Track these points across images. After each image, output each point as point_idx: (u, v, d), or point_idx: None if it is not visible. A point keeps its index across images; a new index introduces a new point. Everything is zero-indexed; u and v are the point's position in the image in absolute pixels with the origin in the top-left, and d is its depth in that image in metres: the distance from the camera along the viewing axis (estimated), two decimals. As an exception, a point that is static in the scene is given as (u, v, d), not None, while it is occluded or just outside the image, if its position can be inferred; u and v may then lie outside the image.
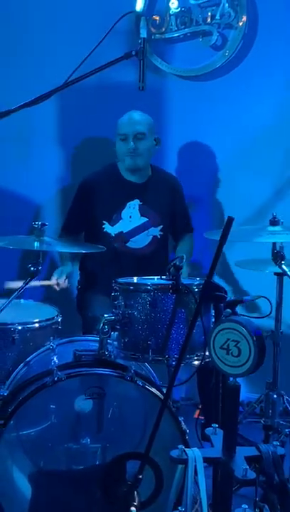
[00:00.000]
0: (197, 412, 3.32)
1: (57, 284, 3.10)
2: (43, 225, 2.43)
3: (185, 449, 1.65)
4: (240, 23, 3.51)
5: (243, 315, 2.58)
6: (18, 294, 2.40)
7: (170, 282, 2.27)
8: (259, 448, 1.63)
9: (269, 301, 2.67)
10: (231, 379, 1.66)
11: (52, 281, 3.10)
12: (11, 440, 2.36)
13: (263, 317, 2.63)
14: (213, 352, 1.64)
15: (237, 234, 2.67)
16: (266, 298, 2.63)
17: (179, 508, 1.72)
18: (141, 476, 1.96)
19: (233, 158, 3.67)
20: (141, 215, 3.29)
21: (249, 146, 3.62)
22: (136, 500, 2.03)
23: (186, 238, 3.46)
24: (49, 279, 3.13)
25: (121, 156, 3.26)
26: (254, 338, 1.58)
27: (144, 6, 3.63)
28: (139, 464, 1.97)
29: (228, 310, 2.00)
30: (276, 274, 2.86)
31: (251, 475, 1.54)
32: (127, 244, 3.28)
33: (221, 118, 3.63)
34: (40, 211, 3.83)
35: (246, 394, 3.63)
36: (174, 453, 1.67)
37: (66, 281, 3.13)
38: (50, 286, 3.14)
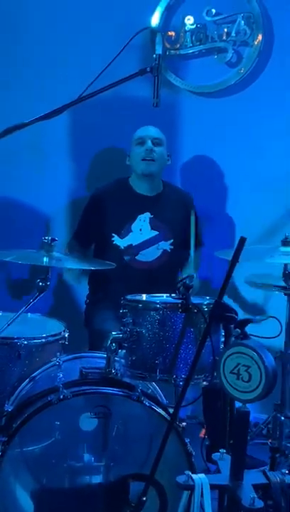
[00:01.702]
0: (203, 431, 3.28)
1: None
2: (53, 240, 2.41)
3: (192, 475, 1.62)
4: (256, 42, 3.51)
5: (252, 335, 2.56)
6: (26, 309, 2.38)
7: (179, 301, 2.24)
8: (267, 475, 1.60)
9: (279, 322, 2.64)
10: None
11: None
12: (14, 456, 2.32)
13: (272, 337, 2.60)
14: (223, 376, 1.61)
15: (247, 253, 2.65)
16: (276, 318, 2.60)
17: (184, 534, 1.69)
18: (144, 498, 1.93)
19: (245, 175, 3.65)
20: (152, 229, 3.28)
21: (261, 164, 3.61)
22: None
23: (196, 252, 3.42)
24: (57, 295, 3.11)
25: (137, 160, 3.27)
26: (266, 364, 1.55)
27: (160, 22, 3.62)
28: (143, 485, 1.95)
29: (237, 330, 1.98)
30: (286, 294, 2.83)
31: (259, 504, 1.50)
32: (137, 258, 3.26)
33: (234, 136, 3.62)
34: (50, 223, 3.82)
35: (254, 414, 3.58)
36: (180, 479, 1.64)
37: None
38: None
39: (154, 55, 2.37)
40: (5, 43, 3.71)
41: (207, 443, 2.92)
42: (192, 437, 2.57)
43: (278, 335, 2.63)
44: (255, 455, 3.05)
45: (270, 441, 2.87)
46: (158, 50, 2.39)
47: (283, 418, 2.84)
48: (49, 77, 3.67)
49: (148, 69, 2.37)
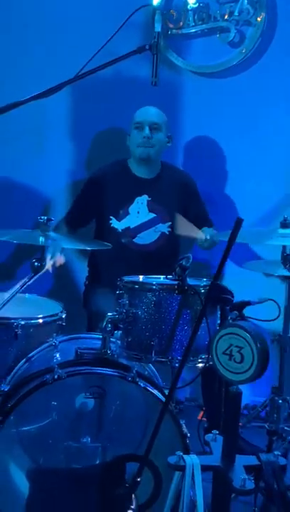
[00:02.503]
0: (201, 413, 3.29)
1: (54, 264, 3.05)
2: (49, 219, 2.39)
3: (183, 455, 1.61)
4: (259, 19, 3.45)
5: (250, 317, 2.54)
6: (22, 289, 2.37)
7: (176, 282, 2.23)
8: (260, 457, 1.59)
9: (278, 304, 2.63)
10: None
11: (48, 264, 3.04)
12: (9, 436, 2.33)
13: (271, 320, 2.58)
14: (215, 357, 1.60)
15: (247, 235, 2.63)
16: (274, 301, 2.59)
17: (176, 514, 1.69)
18: (139, 479, 1.92)
19: (246, 157, 3.62)
20: (149, 211, 3.26)
21: (262, 146, 3.58)
22: (134, 503, 1.99)
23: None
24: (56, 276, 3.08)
25: (134, 145, 3.25)
26: (258, 345, 1.54)
27: (162, 0, 3.56)
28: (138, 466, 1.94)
29: (235, 312, 1.96)
30: (285, 277, 2.81)
31: (250, 485, 1.49)
32: (134, 240, 3.25)
33: (236, 116, 3.58)
34: (51, 205, 3.80)
35: (252, 397, 3.58)
36: (172, 459, 1.63)
37: (62, 256, 3.08)
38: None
39: (153, 33, 2.34)
40: (1, 21, 3.66)
41: (205, 425, 2.92)
42: (190, 419, 2.59)
43: (277, 318, 2.62)
44: (252, 438, 3.06)
45: (267, 424, 2.86)
46: (157, 27, 2.36)
47: (280, 401, 2.82)
48: (47, 55, 3.62)
49: (146, 47, 2.34)
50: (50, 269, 3.00)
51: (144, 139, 3.21)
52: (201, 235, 3.03)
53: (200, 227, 3.33)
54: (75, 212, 3.40)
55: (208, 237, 3.02)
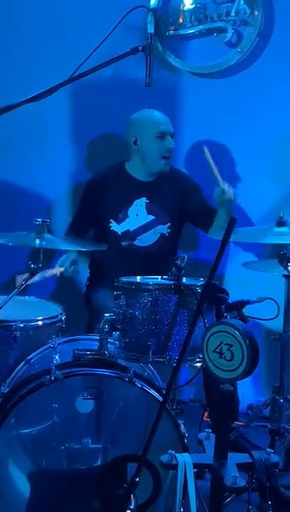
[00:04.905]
0: (205, 414, 3.28)
1: (63, 272, 3.08)
2: (44, 221, 2.41)
3: (176, 454, 1.61)
4: (256, 17, 3.45)
5: (250, 317, 2.54)
6: (19, 291, 2.38)
7: (172, 282, 2.24)
8: (252, 455, 1.59)
9: (277, 303, 2.63)
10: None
11: (56, 270, 3.08)
12: (10, 438, 2.34)
13: (270, 319, 2.59)
14: (206, 355, 1.60)
15: (243, 234, 2.63)
16: (273, 300, 2.59)
17: (171, 513, 1.69)
18: (137, 479, 1.93)
19: (246, 157, 3.62)
20: (148, 213, 3.26)
21: (263, 146, 3.58)
22: (133, 504, 1.99)
23: None
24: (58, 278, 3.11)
25: (156, 156, 3.21)
26: (248, 343, 1.54)
27: (159, 2, 3.58)
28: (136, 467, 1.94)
29: (235, 311, 1.96)
30: (284, 276, 2.80)
31: (241, 483, 1.49)
32: (134, 243, 3.26)
33: (235, 117, 3.58)
34: (52, 207, 3.81)
35: (256, 397, 3.58)
36: (164, 458, 1.63)
37: (73, 268, 3.12)
38: (58, 276, 3.12)
39: (147, 35, 2.36)
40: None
41: (209, 425, 2.92)
42: (194, 420, 2.57)
43: (276, 316, 2.62)
44: (255, 438, 3.04)
45: (270, 423, 2.86)
46: (150, 29, 2.39)
47: (282, 400, 2.82)
48: (42, 57, 3.64)
49: (140, 48, 2.36)
50: (52, 274, 3.05)
51: (169, 149, 3.20)
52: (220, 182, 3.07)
53: (202, 218, 3.31)
54: (80, 220, 3.42)
55: (226, 188, 3.04)
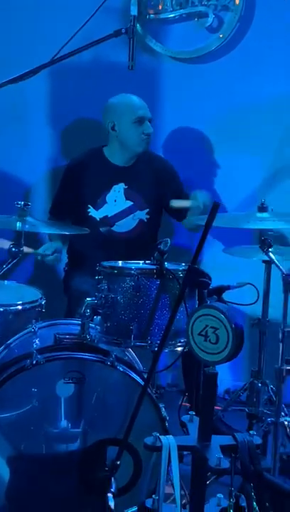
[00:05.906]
0: (183, 398, 3.30)
1: (44, 256, 3.07)
2: (26, 204, 2.38)
3: (160, 436, 1.62)
4: (236, 3, 3.44)
5: (230, 302, 2.55)
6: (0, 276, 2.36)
7: (154, 267, 2.24)
8: (235, 437, 1.60)
9: (256, 289, 2.64)
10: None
11: (39, 251, 3.07)
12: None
13: (249, 304, 2.60)
14: (191, 338, 1.61)
15: (224, 220, 2.64)
16: (253, 285, 2.60)
17: (153, 496, 1.70)
18: (118, 463, 1.93)
19: (227, 142, 3.61)
20: (126, 199, 3.25)
21: (243, 131, 3.57)
22: (113, 487, 2.00)
23: None
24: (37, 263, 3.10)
25: (135, 141, 3.20)
26: (233, 326, 1.55)
27: (140, -16, 3.55)
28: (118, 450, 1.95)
29: (214, 296, 1.97)
30: (264, 261, 2.83)
31: (225, 464, 1.51)
32: (113, 229, 3.25)
33: (215, 102, 3.57)
34: (31, 191, 3.78)
35: (233, 382, 3.61)
36: (148, 440, 1.64)
37: (55, 256, 3.11)
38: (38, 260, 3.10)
39: (130, 17, 2.34)
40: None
41: (187, 410, 2.94)
42: (172, 404, 2.58)
43: (255, 302, 2.64)
44: (233, 422, 3.08)
45: (247, 407, 2.89)
46: (133, 11, 2.37)
47: (260, 384, 2.85)
48: (24, 40, 3.60)
49: (123, 30, 2.34)
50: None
51: (148, 136, 3.19)
52: (194, 202, 3.09)
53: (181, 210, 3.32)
54: (58, 204, 3.39)
55: (201, 206, 3.06)
